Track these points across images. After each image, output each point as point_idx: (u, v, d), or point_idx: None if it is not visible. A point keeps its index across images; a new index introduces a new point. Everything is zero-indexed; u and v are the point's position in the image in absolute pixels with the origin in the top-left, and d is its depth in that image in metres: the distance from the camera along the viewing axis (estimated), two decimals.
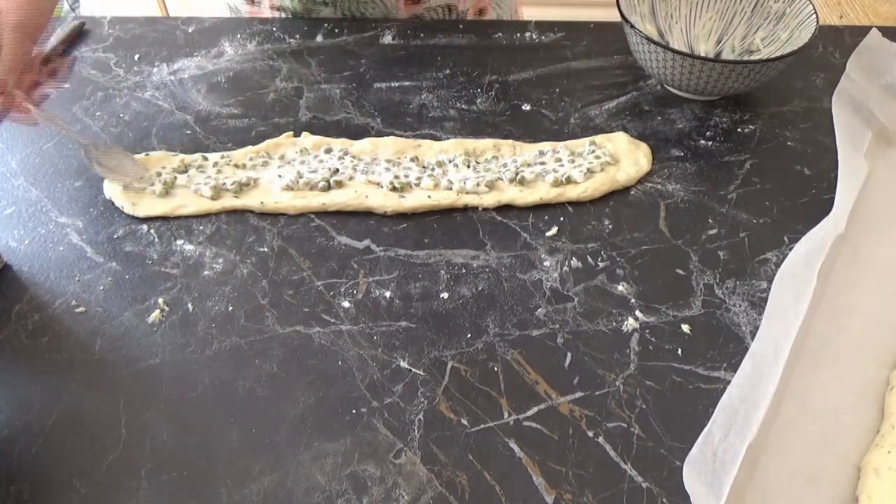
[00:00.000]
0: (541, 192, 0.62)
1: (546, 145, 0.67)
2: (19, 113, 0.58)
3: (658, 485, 0.44)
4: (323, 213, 0.62)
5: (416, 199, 0.62)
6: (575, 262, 0.57)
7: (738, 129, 0.70)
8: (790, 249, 0.57)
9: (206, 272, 0.57)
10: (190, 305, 0.55)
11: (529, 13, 1.01)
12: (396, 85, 0.75)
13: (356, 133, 0.69)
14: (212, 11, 0.91)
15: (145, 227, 0.61)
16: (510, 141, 0.67)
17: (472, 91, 0.75)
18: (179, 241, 0.60)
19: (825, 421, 0.47)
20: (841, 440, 0.46)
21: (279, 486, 0.44)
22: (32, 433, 0.47)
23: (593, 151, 0.66)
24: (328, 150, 0.67)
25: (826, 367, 0.50)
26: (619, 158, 0.65)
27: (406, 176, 0.64)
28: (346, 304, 0.55)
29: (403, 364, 0.51)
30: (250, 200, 0.62)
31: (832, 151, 0.66)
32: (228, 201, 0.62)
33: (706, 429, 0.45)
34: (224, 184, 0.63)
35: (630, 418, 0.47)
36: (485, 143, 0.67)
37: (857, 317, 0.53)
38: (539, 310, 0.54)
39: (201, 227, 0.61)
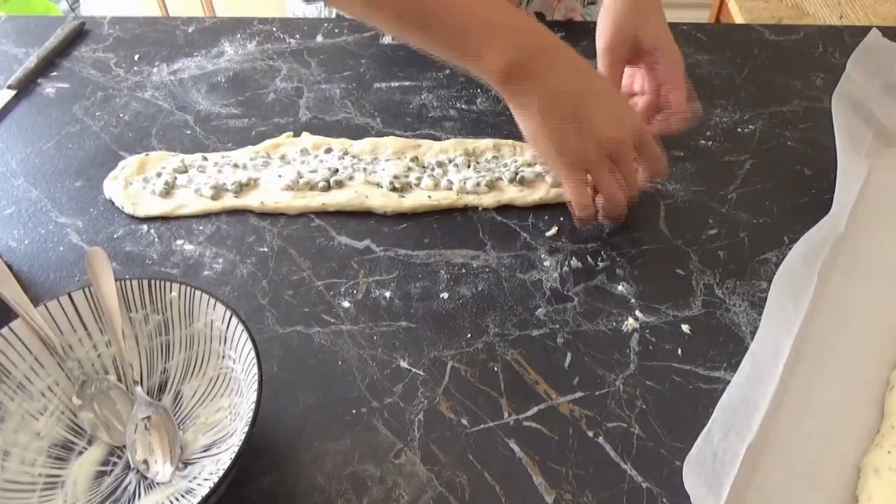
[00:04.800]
0: (540, 192, 0.62)
1: None
2: None
3: (658, 485, 0.44)
4: (323, 213, 0.62)
5: (416, 199, 0.62)
6: (575, 262, 0.57)
7: (738, 129, 0.70)
8: (790, 249, 0.57)
9: (206, 272, 0.57)
10: None
11: None
12: (396, 85, 0.75)
13: (356, 133, 0.69)
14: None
15: (145, 227, 0.61)
16: (510, 141, 0.67)
17: (472, 91, 0.74)
18: (179, 241, 0.60)
19: (825, 421, 0.47)
20: (841, 440, 0.46)
21: (279, 486, 0.44)
22: None
23: None
24: (328, 150, 0.67)
25: (826, 367, 0.50)
26: None
27: (406, 176, 0.64)
28: (346, 304, 0.55)
29: (403, 364, 0.51)
30: (250, 200, 0.62)
31: (832, 151, 0.66)
32: (228, 201, 0.62)
33: (706, 429, 0.45)
34: (224, 184, 0.63)
35: (630, 418, 0.47)
36: (485, 143, 0.67)
37: (857, 317, 0.53)
38: (539, 310, 0.54)
39: (201, 227, 0.61)
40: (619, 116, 0.55)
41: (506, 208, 0.62)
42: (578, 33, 0.82)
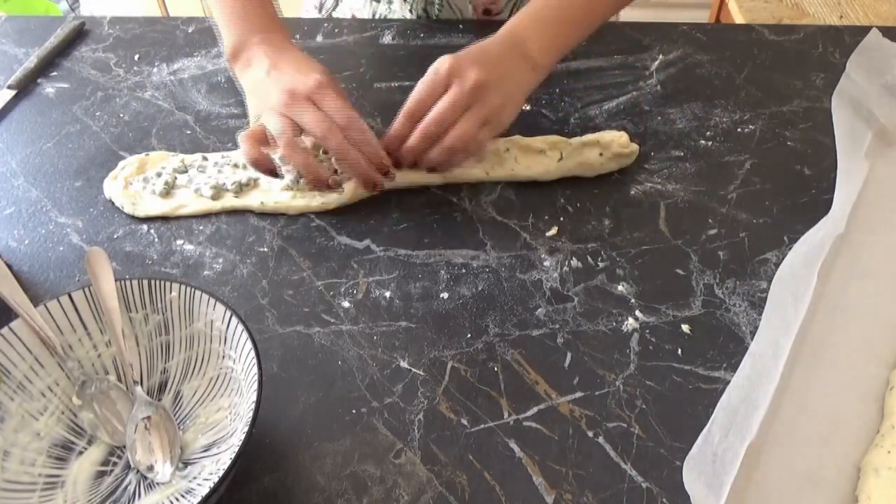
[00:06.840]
0: (546, 165, 0.63)
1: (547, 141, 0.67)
2: None
3: (658, 485, 0.44)
4: (323, 213, 0.62)
5: (406, 177, 0.62)
6: (575, 262, 0.57)
7: (738, 129, 0.70)
8: (790, 249, 0.57)
9: (206, 272, 0.57)
10: None
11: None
12: (396, 85, 0.75)
13: None
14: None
15: (145, 227, 0.61)
16: (510, 139, 0.67)
17: None
18: (179, 241, 0.60)
19: (825, 421, 0.47)
20: (841, 440, 0.46)
21: (279, 486, 0.44)
22: None
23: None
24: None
25: (826, 367, 0.50)
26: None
27: None
28: (346, 304, 0.55)
29: (403, 364, 0.51)
30: (250, 200, 0.62)
31: (832, 151, 0.66)
32: (228, 201, 0.62)
33: (706, 429, 0.45)
34: (224, 184, 0.63)
35: (630, 418, 0.47)
36: None
37: (857, 317, 0.53)
38: (539, 310, 0.54)
39: (201, 227, 0.61)
40: (297, 81, 0.59)
41: (506, 208, 0.62)
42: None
